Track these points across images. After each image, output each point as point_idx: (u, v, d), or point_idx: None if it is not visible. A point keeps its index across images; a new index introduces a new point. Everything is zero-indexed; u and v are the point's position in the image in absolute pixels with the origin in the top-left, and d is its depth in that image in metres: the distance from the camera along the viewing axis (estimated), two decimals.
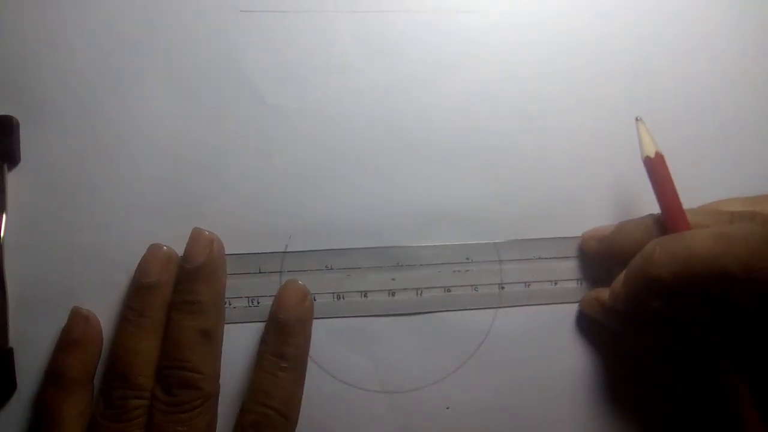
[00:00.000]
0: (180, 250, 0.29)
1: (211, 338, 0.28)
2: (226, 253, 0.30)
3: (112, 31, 0.31)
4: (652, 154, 0.29)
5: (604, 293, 0.30)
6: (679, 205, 0.28)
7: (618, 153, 0.32)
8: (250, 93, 0.31)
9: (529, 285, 0.32)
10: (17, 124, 0.30)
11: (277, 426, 0.28)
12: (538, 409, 0.31)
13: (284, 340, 0.29)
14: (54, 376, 0.28)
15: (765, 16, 0.34)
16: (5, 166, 0.30)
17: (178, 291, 0.28)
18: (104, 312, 0.29)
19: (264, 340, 0.29)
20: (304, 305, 0.30)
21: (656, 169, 0.28)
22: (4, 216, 0.29)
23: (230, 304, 0.30)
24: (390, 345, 0.31)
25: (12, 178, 0.30)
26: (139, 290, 0.28)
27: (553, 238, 0.32)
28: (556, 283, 0.32)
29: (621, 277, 0.29)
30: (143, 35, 0.31)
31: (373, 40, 0.32)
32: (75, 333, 0.28)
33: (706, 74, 0.34)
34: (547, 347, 0.32)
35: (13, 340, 0.29)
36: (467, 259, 0.32)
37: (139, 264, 0.29)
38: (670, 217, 0.28)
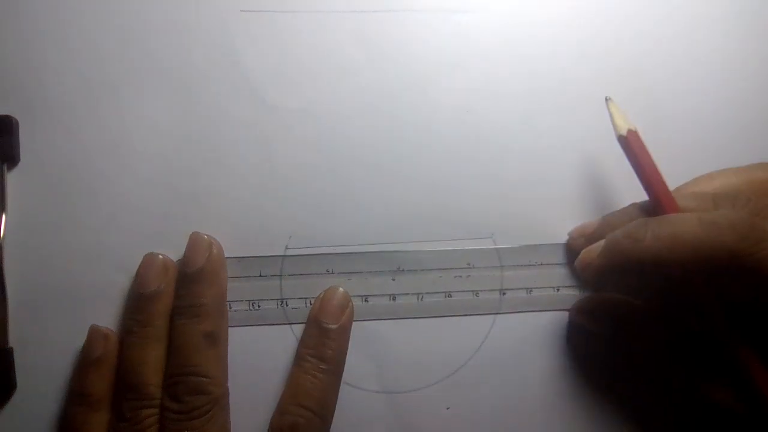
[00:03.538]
0: (181, 250, 0.29)
1: (216, 341, 0.28)
2: (226, 256, 0.30)
3: (112, 31, 0.31)
4: (624, 132, 0.28)
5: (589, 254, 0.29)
6: (663, 183, 0.28)
7: (621, 156, 0.32)
8: (250, 93, 0.31)
9: (530, 291, 0.32)
10: (17, 124, 0.30)
11: (314, 428, 0.28)
12: (538, 410, 0.31)
13: (325, 343, 0.29)
14: (79, 395, 0.28)
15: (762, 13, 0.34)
16: (5, 166, 0.30)
17: (180, 296, 0.29)
18: (104, 312, 0.29)
19: (304, 342, 0.30)
20: (346, 312, 0.30)
21: (632, 146, 0.28)
22: (4, 216, 0.29)
23: (231, 308, 0.30)
24: (390, 345, 0.31)
25: (12, 178, 0.30)
26: (139, 301, 0.29)
27: (556, 243, 0.32)
28: (558, 290, 0.32)
29: (595, 248, 0.28)
30: (143, 35, 0.31)
31: (373, 40, 0.32)
32: (96, 351, 0.28)
33: (707, 76, 0.34)
34: (548, 347, 0.32)
35: (13, 340, 0.29)
36: (468, 264, 0.31)
37: (136, 274, 0.29)
38: (655, 198, 0.28)
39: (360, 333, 0.31)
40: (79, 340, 0.29)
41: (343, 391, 0.30)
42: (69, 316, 0.29)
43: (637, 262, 0.26)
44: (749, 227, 0.24)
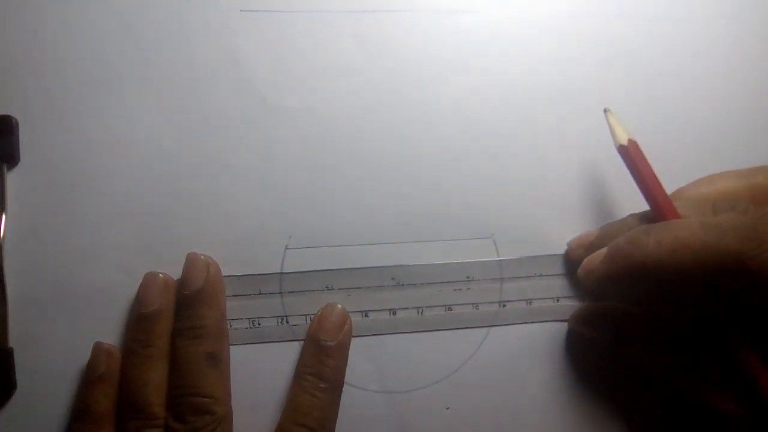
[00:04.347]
0: (181, 251, 0.29)
1: (218, 361, 0.28)
2: (225, 274, 0.30)
3: (112, 31, 0.31)
4: (625, 142, 0.29)
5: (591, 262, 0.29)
6: (663, 192, 0.28)
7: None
8: (250, 93, 0.31)
9: (530, 302, 0.32)
10: (17, 124, 0.30)
11: None
12: (538, 410, 0.31)
13: (324, 361, 0.29)
14: (82, 412, 0.28)
15: (761, 14, 0.34)
16: (5, 166, 0.30)
17: (180, 317, 0.29)
18: (104, 312, 0.29)
19: (303, 361, 0.30)
20: (344, 329, 0.30)
21: (632, 156, 0.28)
22: (4, 216, 0.29)
23: (231, 326, 0.30)
24: (390, 345, 0.31)
25: (12, 178, 0.30)
26: (141, 320, 0.29)
27: (555, 254, 0.32)
28: (557, 300, 0.32)
29: (597, 255, 0.28)
30: (143, 35, 0.31)
31: (373, 40, 0.32)
32: (100, 368, 0.28)
33: (707, 78, 0.34)
34: (548, 347, 0.32)
35: (13, 340, 0.29)
36: (468, 277, 0.31)
37: (137, 294, 0.29)
38: (656, 207, 0.28)
39: (360, 338, 0.31)
40: (79, 340, 0.29)
41: (344, 390, 0.30)
42: (69, 316, 0.29)
43: (640, 268, 0.26)
44: (752, 231, 0.24)
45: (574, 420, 0.31)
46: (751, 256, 0.24)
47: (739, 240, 0.24)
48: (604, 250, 0.28)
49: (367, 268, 0.31)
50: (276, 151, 0.31)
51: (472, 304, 0.31)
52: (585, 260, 0.29)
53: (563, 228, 0.32)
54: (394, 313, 0.31)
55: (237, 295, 0.30)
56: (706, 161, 0.32)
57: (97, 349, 0.29)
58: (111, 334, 0.29)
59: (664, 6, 0.34)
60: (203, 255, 0.29)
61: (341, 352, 0.30)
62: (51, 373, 0.29)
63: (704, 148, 0.33)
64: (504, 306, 0.31)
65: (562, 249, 0.32)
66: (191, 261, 0.29)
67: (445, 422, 0.31)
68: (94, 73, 0.31)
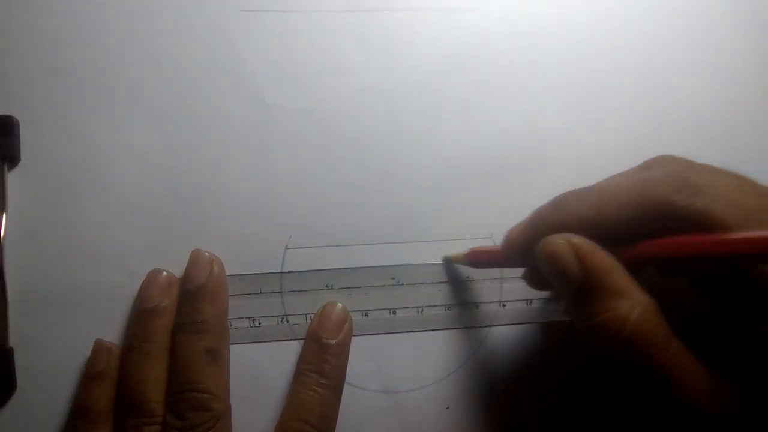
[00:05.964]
0: (182, 250, 0.30)
1: (218, 357, 0.28)
2: (226, 273, 0.30)
3: (112, 32, 0.31)
4: (465, 254, 0.30)
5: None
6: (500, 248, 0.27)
7: (621, 154, 0.32)
8: (250, 93, 0.31)
9: (530, 302, 0.32)
10: (17, 124, 0.30)
11: None
12: (538, 410, 0.31)
13: (325, 358, 0.29)
14: (81, 409, 0.28)
15: (763, 13, 0.34)
16: (5, 166, 0.30)
17: (181, 313, 0.29)
18: (104, 312, 0.29)
19: (304, 358, 0.30)
20: (345, 328, 0.30)
21: (480, 253, 0.29)
22: (4, 216, 0.29)
23: (232, 325, 0.30)
24: (390, 345, 0.31)
25: (12, 178, 0.30)
26: (141, 316, 0.29)
27: None
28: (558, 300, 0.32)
29: (519, 225, 0.27)
30: (144, 35, 0.31)
31: (373, 40, 0.32)
32: (99, 365, 0.28)
33: (708, 70, 0.34)
34: (547, 348, 0.32)
35: (13, 340, 0.29)
36: (468, 277, 0.31)
37: (140, 290, 0.29)
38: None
39: (360, 337, 0.31)
40: (79, 340, 0.29)
41: (344, 390, 0.30)
42: (69, 316, 0.29)
43: (563, 229, 0.24)
44: (683, 181, 0.23)
45: (573, 420, 0.31)
46: (681, 206, 0.22)
47: (669, 189, 0.22)
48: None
49: (367, 267, 0.31)
50: (276, 151, 0.31)
51: (472, 304, 0.31)
52: (509, 230, 0.27)
53: None
54: (394, 313, 0.31)
55: (237, 295, 0.30)
56: (706, 160, 0.32)
57: (98, 346, 0.29)
58: (112, 335, 0.29)
59: (665, 4, 0.34)
60: (208, 252, 0.29)
61: (342, 351, 0.30)
62: (51, 373, 0.29)
63: (705, 147, 0.33)
64: (504, 306, 0.31)
65: None
66: (195, 258, 0.29)
67: (445, 422, 0.31)
68: (94, 73, 0.31)
